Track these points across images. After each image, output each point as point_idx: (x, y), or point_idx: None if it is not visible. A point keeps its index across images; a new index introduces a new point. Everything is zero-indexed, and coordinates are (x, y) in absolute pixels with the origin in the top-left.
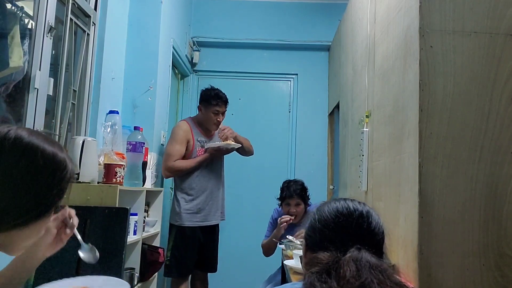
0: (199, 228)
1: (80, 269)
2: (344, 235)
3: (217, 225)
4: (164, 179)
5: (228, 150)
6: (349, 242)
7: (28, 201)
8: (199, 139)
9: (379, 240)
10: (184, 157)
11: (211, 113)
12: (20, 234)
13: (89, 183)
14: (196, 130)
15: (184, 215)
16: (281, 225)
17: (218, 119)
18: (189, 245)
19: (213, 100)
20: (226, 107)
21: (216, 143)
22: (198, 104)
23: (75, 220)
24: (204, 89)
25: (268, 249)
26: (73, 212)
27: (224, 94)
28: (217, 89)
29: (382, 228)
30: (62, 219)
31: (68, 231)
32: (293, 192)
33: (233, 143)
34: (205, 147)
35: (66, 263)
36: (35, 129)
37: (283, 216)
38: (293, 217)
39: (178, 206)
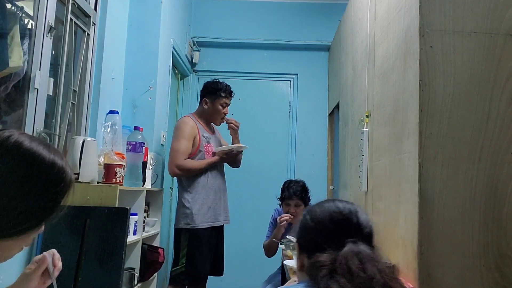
0: (210, 229)
1: (80, 269)
2: (337, 233)
3: (223, 226)
4: (164, 179)
5: (238, 153)
6: (342, 239)
7: (19, 213)
8: (204, 135)
9: (368, 233)
10: (190, 154)
11: (220, 106)
12: (3, 244)
13: (89, 183)
14: (200, 126)
15: (196, 217)
16: (281, 224)
17: (225, 112)
18: (205, 248)
19: (222, 92)
20: (230, 101)
21: (228, 146)
22: (201, 98)
23: (59, 265)
24: (208, 82)
25: (270, 250)
26: (56, 255)
27: (230, 86)
28: (223, 81)
29: (370, 223)
30: (45, 268)
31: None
32: (293, 193)
33: (243, 145)
34: (215, 151)
35: (66, 262)
36: (35, 130)
37: (282, 215)
38: (292, 216)
39: (188, 208)
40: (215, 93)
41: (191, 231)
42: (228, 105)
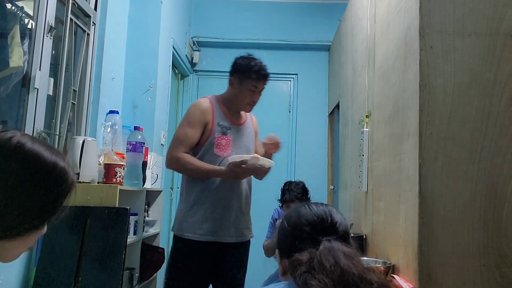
0: (205, 244)
1: (80, 269)
2: (313, 234)
3: (240, 244)
4: (164, 179)
5: (257, 169)
6: (318, 238)
7: (22, 213)
8: (220, 123)
9: (344, 232)
10: (199, 143)
11: (247, 90)
12: (6, 245)
13: (89, 183)
14: (220, 112)
15: (181, 223)
16: None
17: (255, 99)
18: (187, 265)
19: (253, 73)
20: (265, 84)
21: (240, 155)
22: (229, 76)
23: None
24: (240, 56)
25: (270, 250)
26: None
27: (266, 66)
28: (258, 59)
29: (345, 222)
30: None
31: None
32: (295, 197)
33: (264, 158)
34: (228, 159)
35: (66, 262)
36: (35, 130)
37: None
38: None
39: (178, 211)
40: (244, 72)
41: (176, 238)
42: (260, 91)
